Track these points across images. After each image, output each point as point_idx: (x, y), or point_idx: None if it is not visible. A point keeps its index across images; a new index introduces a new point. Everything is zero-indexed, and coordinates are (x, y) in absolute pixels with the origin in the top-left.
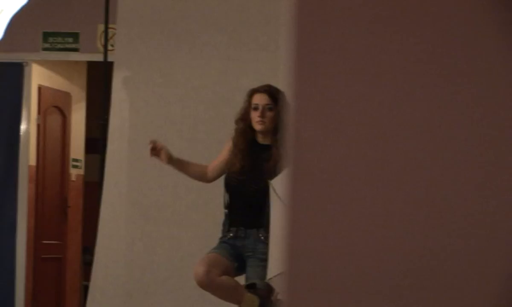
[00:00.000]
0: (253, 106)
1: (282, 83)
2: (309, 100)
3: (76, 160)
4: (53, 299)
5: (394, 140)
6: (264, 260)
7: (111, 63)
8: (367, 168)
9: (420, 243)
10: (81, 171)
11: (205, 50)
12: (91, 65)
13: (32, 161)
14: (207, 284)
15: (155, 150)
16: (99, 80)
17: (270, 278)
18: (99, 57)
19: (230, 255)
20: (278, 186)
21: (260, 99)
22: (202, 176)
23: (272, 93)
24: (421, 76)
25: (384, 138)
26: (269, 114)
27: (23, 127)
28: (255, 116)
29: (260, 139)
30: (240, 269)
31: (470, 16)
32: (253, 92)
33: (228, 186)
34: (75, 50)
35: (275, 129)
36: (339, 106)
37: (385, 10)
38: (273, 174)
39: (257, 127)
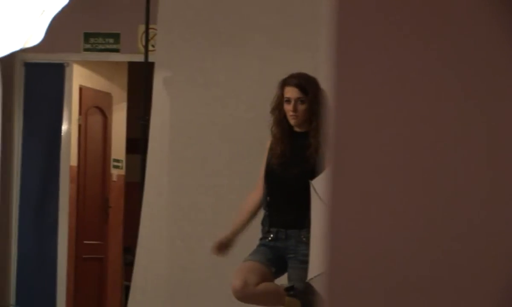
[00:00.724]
0: (285, 99)
1: (322, 84)
2: (349, 100)
3: (117, 160)
4: (94, 299)
5: (435, 140)
6: (306, 262)
7: (152, 64)
8: (406, 169)
9: (463, 243)
10: (122, 171)
11: (246, 50)
12: (132, 65)
13: (74, 161)
14: (245, 298)
15: (221, 250)
16: (139, 81)
17: (311, 279)
18: (140, 58)
19: (268, 260)
20: (319, 186)
21: (291, 93)
22: (258, 202)
23: (303, 85)
24: (461, 78)
25: (424, 138)
26: (301, 107)
27: (64, 127)
28: (288, 110)
29: (297, 128)
30: (280, 272)
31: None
32: (284, 83)
33: (268, 175)
34: (116, 50)
35: (309, 117)
36: (379, 106)
37: (425, 10)
38: (315, 161)
39: (291, 121)
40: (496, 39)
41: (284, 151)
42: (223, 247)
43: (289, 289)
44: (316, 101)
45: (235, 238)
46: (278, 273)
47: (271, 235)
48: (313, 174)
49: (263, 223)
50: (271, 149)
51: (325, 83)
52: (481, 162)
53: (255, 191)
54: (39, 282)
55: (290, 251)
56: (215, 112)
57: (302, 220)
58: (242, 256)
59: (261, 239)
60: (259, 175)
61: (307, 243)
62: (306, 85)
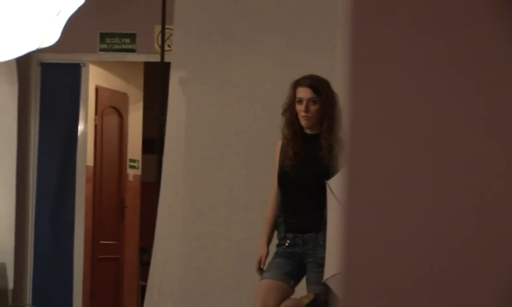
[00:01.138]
0: (297, 99)
1: (338, 84)
2: (365, 100)
3: (133, 160)
4: (110, 299)
5: (451, 141)
6: (324, 265)
7: (168, 64)
8: (423, 169)
9: (478, 243)
10: (138, 172)
11: (262, 50)
12: (148, 65)
13: (90, 161)
14: None
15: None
16: (156, 81)
17: (327, 279)
18: (156, 58)
19: (285, 274)
20: (335, 186)
21: (303, 93)
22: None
23: (315, 86)
24: (476, 79)
25: (441, 139)
26: (313, 107)
27: (80, 127)
28: (300, 110)
29: (308, 130)
30: (300, 279)
31: None
32: (296, 84)
33: (281, 177)
34: (132, 50)
35: (321, 118)
36: (395, 106)
37: (440, 9)
38: (328, 163)
39: (303, 122)
40: (508, 37)
41: (296, 152)
42: (264, 262)
43: (309, 305)
44: (328, 102)
45: (269, 242)
46: (298, 282)
47: (288, 241)
48: (327, 175)
49: (278, 228)
50: (283, 151)
51: (341, 83)
52: (497, 161)
53: (272, 196)
54: (56, 282)
55: (308, 255)
56: (231, 112)
57: (318, 223)
58: (255, 257)
59: (277, 245)
60: (273, 178)
61: (324, 246)
62: (319, 85)
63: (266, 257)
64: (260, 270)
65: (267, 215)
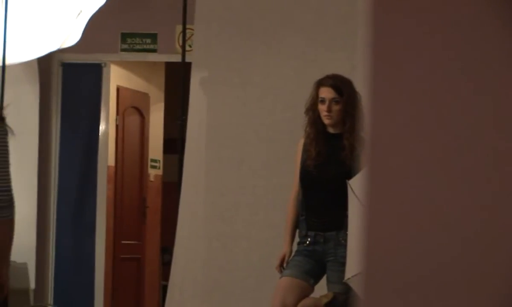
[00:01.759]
0: (319, 99)
1: (359, 84)
2: (386, 99)
3: (154, 160)
4: (132, 299)
5: (473, 139)
6: (345, 264)
7: (189, 64)
8: (445, 168)
9: (500, 243)
10: (160, 172)
11: (282, 50)
12: (169, 65)
13: (111, 161)
14: None
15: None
16: (177, 81)
17: (348, 279)
18: (177, 58)
19: (305, 273)
20: (356, 186)
21: (326, 93)
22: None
23: (338, 86)
24: (502, 78)
25: (463, 137)
26: (335, 107)
27: (102, 127)
28: (322, 110)
29: (331, 129)
30: (320, 278)
31: None
32: (319, 84)
33: (304, 177)
34: (153, 51)
35: (343, 118)
36: (416, 105)
37: (464, 9)
38: (351, 162)
39: (325, 121)
40: None
41: (319, 152)
42: (286, 261)
43: (328, 304)
44: (350, 102)
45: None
46: (318, 281)
47: (309, 239)
48: (349, 175)
49: (299, 227)
50: (306, 151)
51: (362, 83)
52: None
53: (294, 195)
54: (77, 282)
55: (329, 254)
56: (252, 112)
57: (340, 222)
58: (277, 257)
59: (298, 243)
60: (295, 177)
61: (345, 245)
62: (341, 85)
63: (289, 256)
64: (281, 268)
65: (288, 213)
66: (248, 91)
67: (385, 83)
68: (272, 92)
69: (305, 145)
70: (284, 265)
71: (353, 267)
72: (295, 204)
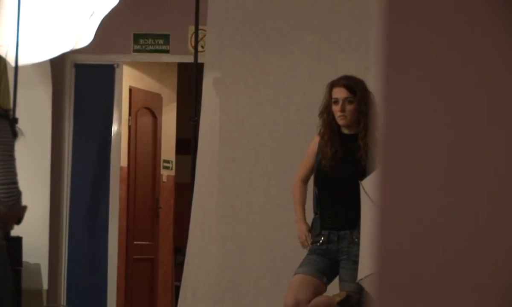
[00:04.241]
0: (333, 100)
1: (372, 84)
2: (399, 101)
3: (167, 161)
4: (145, 299)
5: (486, 141)
6: (358, 263)
7: (202, 64)
8: (457, 169)
9: None
10: (172, 172)
11: (296, 50)
12: (181, 66)
13: (124, 162)
14: None
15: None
16: (189, 81)
17: (361, 279)
18: (189, 59)
19: (318, 271)
20: (368, 186)
21: (339, 93)
22: (305, 189)
23: (351, 86)
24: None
25: (475, 139)
26: (349, 107)
27: (114, 128)
28: (336, 111)
29: (345, 130)
30: (333, 277)
31: None
32: (332, 85)
33: (319, 177)
34: (166, 51)
35: (358, 118)
36: (429, 106)
37: (476, 11)
38: (366, 163)
39: (339, 121)
40: None
41: (335, 152)
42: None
43: (341, 303)
44: (363, 102)
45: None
46: (331, 279)
47: (322, 238)
48: (364, 175)
49: (313, 226)
50: (321, 152)
51: (375, 83)
52: None
53: (297, 179)
54: (90, 283)
55: (342, 253)
56: (265, 113)
57: (354, 221)
58: (293, 256)
59: (312, 243)
60: (301, 169)
61: (359, 244)
62: (354, 85)
63: (309, 230)
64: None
65: (294, 195)
66: (261, 91)
67: (398, 84)
68: (286, 93)
69: (320, 145)
70: (310, 240)
71: (365, 267)
72: (300, 185)
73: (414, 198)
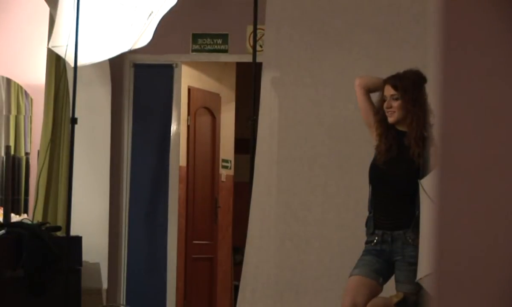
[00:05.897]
0: (383, 97)
1: (431, 83)
2: (458, 98)
3: (226, 160)
4: (204, 299)
5: None
6: (413, 264)
7: (260, 64)
8: None
9: None
10: (231, 172)
11: (354, 49)
12: (240, 65)
13: (183, 162)
14: None
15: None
16: (248, 81)
17: (420, 279)
18: (248, 58)
19: (373, 272)
20: (428, 185)
21: (386, 91)
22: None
23: (395, 83)
24: None
25: None
26: (395, 104)
27: (173, 128)
28: (384, 107)
29: (398, 126)
30: (388, 277)
31: None
32: (384, 83)
33: (373, 172)
34: (224, 51)
35: (405, 115)
36: (487, 104)
37: None
38: (419, 160)
39: (388, 118)
40: None
41: (389, 147)
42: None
43: (399, 304)
44: (407, 99)
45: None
46: (387, 280)
47: (376, 238)
48: (417, 173)
49: (367, 225)
50: (376, 147)
51: (433, 82)
52: None
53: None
54: (149, 282)
55: (396, 253)
56: (323, 112)
57: (407, 221)
58: (351, 255)
59: (366, 243)
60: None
61: (413, 245)
62: (399, 82)
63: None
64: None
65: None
66: (319, 90)
67: (456, 83)
68: (344, 92)
69: (376, 141)
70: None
71: (425, 267)
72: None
73: (474, 198)
